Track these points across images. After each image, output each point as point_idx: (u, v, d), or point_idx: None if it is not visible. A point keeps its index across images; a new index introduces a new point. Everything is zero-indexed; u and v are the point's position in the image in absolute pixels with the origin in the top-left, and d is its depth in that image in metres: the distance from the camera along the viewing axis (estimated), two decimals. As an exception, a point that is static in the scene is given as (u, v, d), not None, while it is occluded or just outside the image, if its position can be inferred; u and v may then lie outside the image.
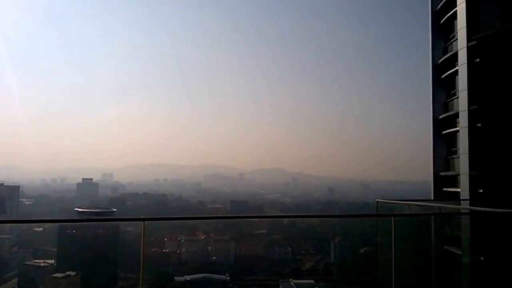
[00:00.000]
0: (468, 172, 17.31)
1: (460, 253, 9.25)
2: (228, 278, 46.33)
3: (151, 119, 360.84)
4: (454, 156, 20.97)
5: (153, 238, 47.22)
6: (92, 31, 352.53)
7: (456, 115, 19.82)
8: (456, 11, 20.02)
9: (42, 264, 46.43)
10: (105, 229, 42.64)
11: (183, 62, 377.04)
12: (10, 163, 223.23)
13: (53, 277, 41.88)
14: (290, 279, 43.49)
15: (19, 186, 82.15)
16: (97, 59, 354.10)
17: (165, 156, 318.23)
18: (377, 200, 9.82)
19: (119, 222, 65.58)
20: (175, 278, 44.58)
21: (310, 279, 46.57)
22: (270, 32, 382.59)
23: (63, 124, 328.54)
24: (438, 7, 22.62)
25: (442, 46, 22.83)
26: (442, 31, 22.81)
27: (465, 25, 18.50)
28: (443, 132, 22.15)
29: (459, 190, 18.55)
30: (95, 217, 50.17)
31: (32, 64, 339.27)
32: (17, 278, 46.68)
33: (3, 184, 71.90)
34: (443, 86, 22.66)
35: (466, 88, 18.19)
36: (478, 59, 16.28)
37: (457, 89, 20.24)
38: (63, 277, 40.36)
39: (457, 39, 19.98)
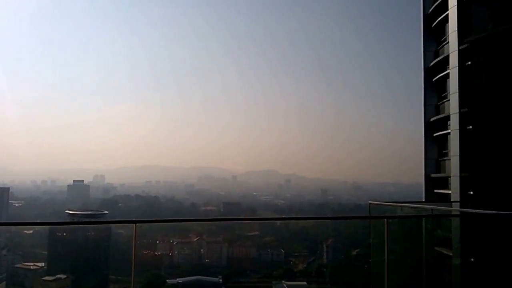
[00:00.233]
0: (458, 174, 17.47)
1: (451, 254, 9.32)
2: (220, 280, 46.22)
3: (144, 120, 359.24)
4: (445, 158, 21.17)
5: (145, 240, 46.95)
6: (84, 31, 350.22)
7: (448, 117, 20.01)
8: (447, 14, 20.22)
9: (32, 267, 45.85)
10: (96, 231, 42.27)
11: (175, 62, 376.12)
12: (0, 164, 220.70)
13: (43, 280, 41.42)
14: (283, 281, 43.54)
15: (8, 188, 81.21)
16: (89, 59, 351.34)
17: (157, 158, 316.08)
18: (370, 202, 9.87)
19: (110, 224, 65.05)
20: (167, 280, 44.35)
21: (303, 280, 46.60)
22: (262, 33, 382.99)
23: (54, 125, 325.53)
24: (430, 10, 22.84)
25: (434, 49, 23.05)
26: (434, 34, 23.03)
27: (456, 29, 18.69)
28: (435, 135, 22.35)
29: (450, 192, 18.71)
30: (86, 220, 49.70)
31: (22, 64, 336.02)
32: (5, 282, 46.07)
33: (-8, 186, 71.02)
34: (434, 89, 22.87)
35: (457, 91, 18.38)
36: (470, 62, 16.46)
37: (448, 92, 20.44)
38: (53, 280, 39.92)
39: (448, 42, 20.19)
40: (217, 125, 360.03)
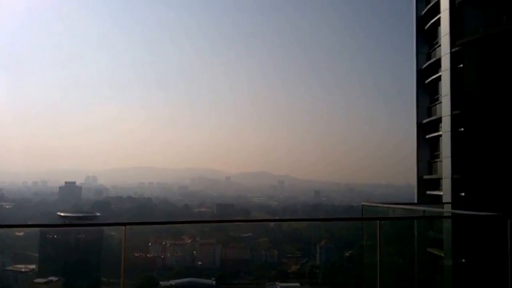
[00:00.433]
0: (450, 176, 17.59)
1: (443, 255, 9.37)
2: (214, 282, 46.06)
3: (137, 121, 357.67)
4: (437, 160, 21.31)
5: (138, 242, 46.66)
6: (73, 31, 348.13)
7: (440, 119, 20.14)
8: (440, 17, 20.37)
9: (23, 270, 45.35)
10: (88, 233, 41.93)
11: (168, 64, 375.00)
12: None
13: (35, 282, 40.99)
14: (276, 282, 43.51)
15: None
16: (80, 62, 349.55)
17: (150, 159, 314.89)
18: (363, 203, 9.89)
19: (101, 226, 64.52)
20: (160, 282, 44.08)
21: (296, 282, 46.62)
22: (252, 34, 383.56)
23: (45, 126, 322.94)
24: (423, 13, 22.99)
25: (426, 51, 23.21)
26: (427, 37, 23.19)
27: (448, 32, 18.84)
28: (427, 136, 22.49)
29: (442, 193, 18.83)
30: (77, 222, 49.28)
31: (14, 66, 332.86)
32: (-4, 284, 45.51)
33: (-18, 187, 70.16)
34: (427, 91, 23.03)
35: (449, 93, 18.52)
36: (462, 65, 16.59)
37: (440, 94, 20.59)
38: (44, 282, 39.51)
39: (440, 45, 20.33)
40: (211, 127, 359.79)
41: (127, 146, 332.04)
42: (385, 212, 10.21)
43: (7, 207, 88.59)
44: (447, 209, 14.02)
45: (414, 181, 22.79)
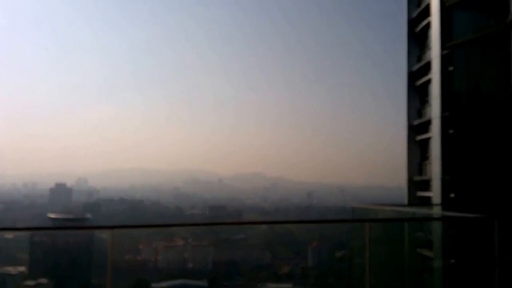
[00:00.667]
0: (440, 177, 17.71)
1: (432, 256, 9.45)
2: (206, 284, 45.90)
3: (128, 123, 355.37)
4: (427, 162, 21.47)
5: (130, 244, 46.36)
6: (65, 33, 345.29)
7: (429, 121, 20.30)
8: (430, 20, 20.54)
9: (13, 272, 44.84)
10: (78, 236, 41.58)
11: (161, 64, 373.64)
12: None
13: (25, 285, 40.59)
14: (268, 284, 43.52)
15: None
16: (72, 64, 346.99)
17: (142, 161, 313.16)
18: (353, 206, 9.95)
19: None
20: (152, 284, 43.83)
21: (288, 283, 46.68)
22: (251, 35, 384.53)
23: (36, 127, 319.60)
24: (414, 15, 23.18)
25: (417, 53, 23.38)
26: (418, 39, 23.37)
27: (438, 34, 19.00)
28: (417, 138, 22.64)
29: (432, 194, 18.97)
30: (67, 224, 48.86)
31: (4, 67, 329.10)
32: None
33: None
34: (417, 93, 23.19)
35: (439, 95, 18.66)
36: (451, 67, 16.76)
37: (430, 96, 20.76)
38: (34, 285, 39.16)
39: (431, 48, 20.51)
40: (204, 128, 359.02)
41: (118, 147, 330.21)
42: (375, 213, 10.28)
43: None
44: (437, 211, 14.15)
45: (404, 183, 22.93)
